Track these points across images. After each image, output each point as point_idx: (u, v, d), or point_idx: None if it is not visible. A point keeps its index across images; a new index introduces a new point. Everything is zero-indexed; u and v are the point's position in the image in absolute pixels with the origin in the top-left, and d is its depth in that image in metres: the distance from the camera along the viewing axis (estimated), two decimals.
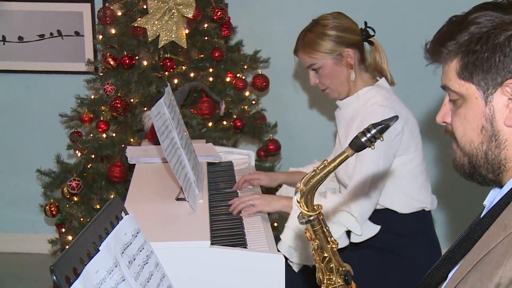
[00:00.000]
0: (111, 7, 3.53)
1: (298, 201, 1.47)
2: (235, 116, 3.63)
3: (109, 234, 1.47)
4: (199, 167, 2.68)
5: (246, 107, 3.74)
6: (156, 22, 3.37)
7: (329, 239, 1.50)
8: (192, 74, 3.50)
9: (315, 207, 1.47)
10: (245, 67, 3.72)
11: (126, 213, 1.64)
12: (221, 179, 2.82)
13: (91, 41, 4.01)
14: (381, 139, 1.38)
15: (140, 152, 2.97)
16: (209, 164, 2.93)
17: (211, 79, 3.55)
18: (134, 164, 2.86)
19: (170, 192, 2.51)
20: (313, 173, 1.44)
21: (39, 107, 4.18)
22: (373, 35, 2.54)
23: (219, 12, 3.52)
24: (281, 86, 4.12)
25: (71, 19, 4.04)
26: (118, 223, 1.54)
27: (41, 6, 4.02)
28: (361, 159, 2.33)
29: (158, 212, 2.35)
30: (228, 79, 3.64)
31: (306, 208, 1.46)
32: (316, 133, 4.21)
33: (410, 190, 2.46)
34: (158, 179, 2.69)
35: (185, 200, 2.37)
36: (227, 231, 2.31)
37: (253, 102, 3.81)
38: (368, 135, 1.38)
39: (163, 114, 2.30)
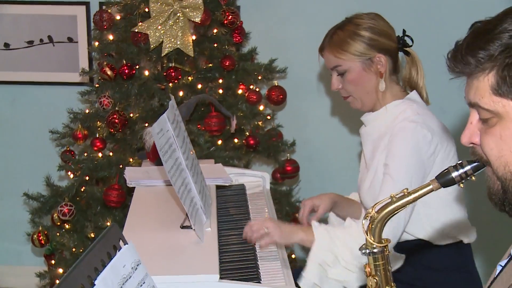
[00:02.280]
0: (109, 10, 3.56)
1: (365, 228, 1.50)
2: (247, 133, 3.64)
3: (105, 266, 1.48)
4: (207, 191, 2.69)
5: (260, 123, 3.75)
6: (159, 27, 3.41)
7: (389, 281, 1.53)
8: (199, 86, 3.52)
9: (382, 240, 1.50)
10: (260, 77, 3.74)
11: (125, 243, 1.65)
12: (231, 205, 2.82)
13: (86, 49, 4.05)
14: (473, 179, 1.42)
15: (141, 173, 2.98)
16: (218, 187, 2.93)
17: (220, 91, 3.56)
18: (134, 188, 2.87)
19: (174, 219, 2.52)
20: (389, 201, 1.48)
21: (26, 122, 4.21)
22: (411, 45, 2.53)
23: (230, 16, 3.55)
24: (300, 100, 4.13)
25: (64, 24, 4.08)
26: (116, 254, 1.55)
27: (29, 9, 4.05)
28: (391, 178, 2.32)
29: (160, 241, 2.36)
30: (240, 92, 3.65)
31: (372, 238, 1.50)
32: (340, 153, 4.21)
33: (443, 219, 2.44)
34: (160, 204, 2.69)
35: (191, 228, 2.38)
36: (238, 264, 2.31)
37: (268, 117, 3.81)
38: (460, 170, 1.42)
39: (166, 130, 2.32)
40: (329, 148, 4.21)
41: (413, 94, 2.51)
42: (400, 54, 2.57)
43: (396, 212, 1.48)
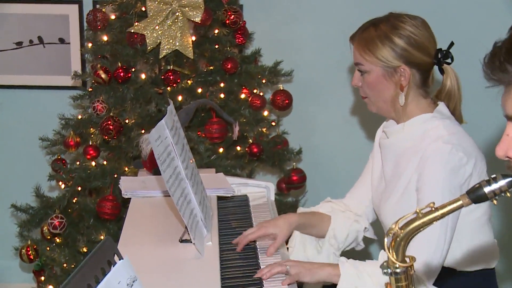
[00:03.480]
0: (103, 10, 3.57)
1: (387, 246, 1.47)
2: (251, 141, 3.64)
3: (99, 283, 1.48)
4: (208, 202, 2.69)
5: (264, 129, 3.75)
6: (157, 28, 3.41)
7: None
8: (199, 90, 3.52)
9: (406, 258, 1.47)
10: (264, 81, 3.74)
11: (120, 258, 1.65)
12: (234, 217, 2.82)
13: (78, 50, 4.05)
14: (509, 194, 1.38)
15: (137, 183, 2.98)
16: (219, 198, 2.93)
17: (222, 95, 3.57)
18: (129, 199, 2.87)
19: (172, 232, 2.52)
20: (414, 216, 1.45)
21: (15, 128, 4.22)
22: (450, 62, 2.43)
23: (233, 16, 3.55)
24: (307, 105, 4.13)
25: (55, 24, 4.09)
26: (110, 269, 1.55)
27: (18, 8, 4.06)
28: (423, 204, 2.29)
29: (158, 256, 2.36)
30: (243, 96, 3.65)
31: (395, 257, 1.47)
32: (349, 161, 4.20)
33: (474, 245, 2.42)
34: (158, 217, 2.69)
35: (191, 242, 2.38)
36: (240, 280, 2.30)
37: (273, 123, 3.82)
38: (494, 186, 1.38)
39: (164, 138, 2.32)
40: (338, 157, 4.21)
41: (442, 107, 2.46)
42: None
43: (421, 229, 1.44)
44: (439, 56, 2.41)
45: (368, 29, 2.43)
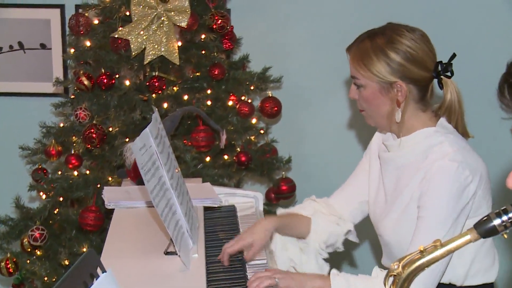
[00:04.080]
0: (86, 14, 3.57)
1: (389, 287, 1.45)
2: (239, 149, 3.65)
3: None
4: (194, 213, 2.69)
5: (252, 137, 3.75)
6: (142, 33, 3.41)
7: None
8: (185, 97, 3.53)
9: None
10: (252, 88, 3.75)
11: (103, 270, 1.65)
12: (221, 228, 2.82)
13: (60, 56, 4.05)
14: None
15: (120, 194, 2.98)
16: (206, 209, 2.93)
17: (209, 102, 3.57)
18: (113, 209, 2.87)
19: (157, 244, 2.51)
20: (418, 255, 1.42)
21: None
22: (450, 76, 2.40)
23: (220, 20, 3.56)
24: (297, 112, 4.14)
25: (36, 29, 4.08)
26: (93, 283, 1.54)
27: None
28: (425, 223, 2.29)
29: (142, 269, 2.35)
30: (230, 103, 3.66)
31: None
32: (341, 171, 4.17)
33: (477, 259, 2.42)
34: (142, 228, 2.69)
35: (176, 254, 2.38)
36: None
37: (262, 131, 3.82)
38: (504, 218, 1.36)
39: (149, 146, 2.32)
40: (329, 166, 4.21)
41: (444, 121, 2.43)
42: None
43: (426, 268, 1.42)
44: (439, 69, 2.38)
45: (364, 42, 2.41)
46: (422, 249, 1.42)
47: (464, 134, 2.47)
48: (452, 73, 2.40)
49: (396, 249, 2.47)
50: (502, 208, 1.37)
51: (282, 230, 2.69)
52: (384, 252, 2.60)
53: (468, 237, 1.39)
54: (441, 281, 2.37)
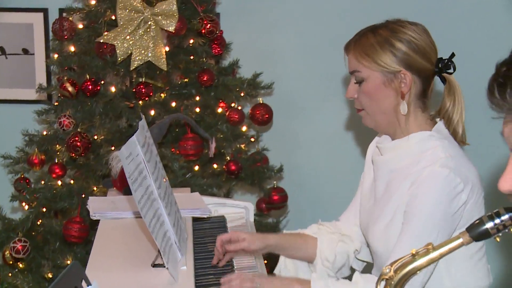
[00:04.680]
0: (70, 18, 3.57)
1: None
2: (228, 158, 3.65)
3: None
4: (182, 223, 2.69)
5: (243, 146, 3.76)
6: (128, 37, 3.42)
7: None
8: (173, 104, 3.53)
9: None
10: (242, 94, 3.76)
11: (88, 284, 1.65)
12: (210, 240, 2.82)
13: (43, 62, 4.05)
14: None
15: (106, 204, 2.98)
16: (195, 220, 2.93)
17: (198, 109, 3.57)
18: (98, 220, 2.87)
19: (144, 256, 2.51)
20: (409, 258, 1.44)
21: None
22: (451, 72, 2.43)
23: (209, 25, 3.57)
24: (288, 119, 4.14)
25: (18, 33, 4.08)
26: None
27: None
28: (410, 230, 2.29)
29: (129, 282, 2.35)
30: (220, 110, 3.66)
31: None
32: (334, 180, 4.22)
33: (464, 273, 2.42)
34: (129, 240, 2.69)
35: (164, 266, 2.37)
36: None
37: (252, 139, 3.83)
38: (497, 221, 1.37)
39: (136, 155, 2.32)
40: (322, 175, 4.22)
41: (440, 125, 2.45)
42: None
43: (417, 271, 1.44)
44: (440, 65, 2.41)
45: (366, 35, 2.42)
46: (414, 252, 1.44)
47: (461, 140, 2.48)
48: (454, 69, 2.43)
49: (386, 259, 2.46)
50: (495, 211, 1.38)
51: (284, 250, 2.65)
52: (374, 263, 2.60)
53: (460, 240, 1.41)
54: None
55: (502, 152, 2.51)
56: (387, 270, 1.46)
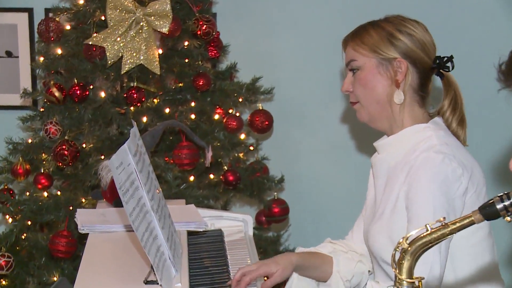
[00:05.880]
0: (57, 19, 3.58)
1: (395, 262, 1.58)
2: (226, 168, 3.65)
3: None
4: (177, 237, 2.69)
5: (241, 155, 3.76)
6: (118, 39, 3.42)
7: None
8: (167, 110, 3.53)
9: (414, 277, 1.58)
10: (240, 100, 3.76)
11: None
12: (206, 255, 2.82)
13: (28, 65, 4.05)
14: None
15: (95, 217, 2.98)
16: (190, 233, 2.93)
17: (193, 116, 3.58)
18: (87, 234, 2.87)
19: (136, 272, 2.51)
20: (424, 231, 1.55)
21: None
22: (449, 70, 2.52)
23: (205, 26, 3.57)
24: (289, 127, 4.15)
25: (1, 35, 4.09)
26: None
27: None
28: (413, 221, 2.32)
29: None
30: (216, 117, 3.67)
31: (402, 274, 1.58)
32: (337, 192, 4.22)
33: (469, 265, 2.44)
34: (120, 255, 2.69)
35: (157, 283, 2.38)
36: None
37: (251, 148, 3.83)
38: (507, 202, 1.49)
39: (127, 164, 2.32)
40: (325, 186, 4.22)
41: (438, 119, 2.51)
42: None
43: (431, 245, 1.55)
44: (439, 61, 2.50)
45: (365, 27, 2.53)
46: (428, 226, 1.57)
47: (462, 140, 2.53)
48: (453, 67, 2.51)
49: (386, 264, 2.46)
50: (506, 192, 1.50)
51: (303, 270, 2.65)
52: (374, 270, 2.61)
53: (471, 218, 1.53)
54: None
55: (501, 152, 2.55)
56: (401, 240, 1.58)
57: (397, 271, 1.58)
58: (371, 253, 2.57)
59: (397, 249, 1.59)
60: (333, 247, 2.72)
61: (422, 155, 2.36)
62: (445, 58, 2.51)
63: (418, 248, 1.57)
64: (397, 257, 1.59)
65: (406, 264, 1.58)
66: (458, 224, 1.53)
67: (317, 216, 4.21)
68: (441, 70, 2.52)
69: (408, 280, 1.58)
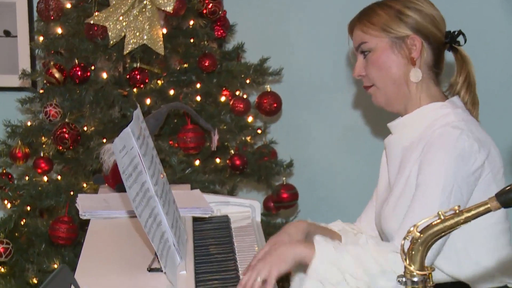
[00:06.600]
0: None
1: (404, 252, 1.56)
2: (233, 152, 3.65)
3: None
4: (182, 224, 2.69)
5: (248, 138, 3.76)
6: (121, 18, 3.42)
7: None
8: (171, 92, 3.53)
9: (425, 267, 1.56)
10: (248, 81, 3.76)
11: None
12: (212, 241, 2.82)
13: (27, 45, 4.05)
14: None
15: (97, 202, 2.99)
16: (195, 219, 2.94)
17: (198, 98, 3.58)
18: (88, 220, 2.87)
19: (139, 259, 2.52)
20: (436, 219, 1.52)
21: None
22: (462, 45, 2.54)
23: (211, 4, 3.57)
24: (299, 109, 4.15)
25: None
26: None
27: None
28: (423, 197, 2.32)
29: (122, 287, 2.36)
30: (223, 99, 3.67)
31: (412, 264, 1.56)
32: (350, 176, 4.22)
33: (487, 257, 2.45)
34: (122, 241, 2.69)
35: (161, 271, 2.38)
36: None
37: (259, 131, 3.83)
38: None
39: (130, 148, 2.32)
40: (336, 170, 4.23)
41: (456, 99, 2.52)
42: None
43: (443, 234, 1.53)
44: (450, 36, 2.53)
45: (371, 7, 2.53)
46: (440, 213, 1.53)
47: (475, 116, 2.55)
48: (465, 40, 2.54)
49: (397, 228, 2.47)
50: None
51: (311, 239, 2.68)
52: None
53: (487, 205, 1.49)
54: (457, 278, 2.42)
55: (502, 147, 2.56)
56: (412, 229, 1.56)
57: (407, 262, 1.56)
58: (384, 235, 2.57)
59: (407, 238, 1.56)
60: (343, 226, 2.74)
61: (439, 130, 2.37)
62: (456, 32, 2.53)
63: (430, 237, 1.54)
64: (406, 246, 1.57)
65: (416, 255, 1.55)
66: (473, 212, 1.50)
67: (327, 202, 4.22)
68: (453, 45, 2.53)
69: (420, 272, 1.56)
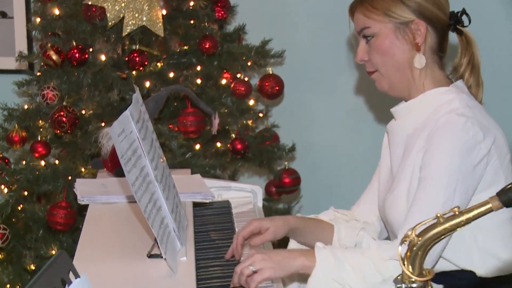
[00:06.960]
0: None
1: (402, 257, 1.53)
2: (234, 135, 3.65)
3: None
4: (182, 209, 2.70)
5: (250, 122, 3.76)
6: None
7: None
8: (171, 74, 3.53)
9: (424, 272, 1.52)
10: (249, 64, 3.75)
11: (77, 276, 1.66)
12: (213, 227, 2.83)
13: (24, 26, 4.05)
14: None
15: (96, 187, 2.99)
16: (196, 205, 2.94)
17: (199, 81, 3.58)
18: (87, 205, 2.88)
19: (139, 245, 2.52)
20: (434, 221, 1.49)
21: None
22: (466, 26, 2.52)
23: None
24: (301, 92, 4.14)
25: None
26: None
27: None
28: (429, 186, 2.32)
29: (122, 274, 2.36)
30: (224, 82, 3.66)
31: (410, 269, 1.53)
32: (352, 160, 4.22)
33: (493, 245, 2.45)
34: (121, 227, 2.70)
35: (161, 257, 2.39)
36: None
37: (261, 114, 3.83)
38: None
39: (129, 132, 2.32)
40: (339, 155, 4.22)
41: (460, 83, 2.51)
42: None
43: (442, 237, 1.49)
44: (454, 17, 2.51)
45: None
46: (439, 215, 1.50)
47: (479, 101, 2.54)
48: (470, 21, 2.52)
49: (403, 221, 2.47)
50: None
51: (299, 234, 2.66)
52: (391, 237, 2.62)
53: (489, 205, 1.46)
54: (463, 268, 2.42)
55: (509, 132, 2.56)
56: (409, 233, 1.52)
57: (406, 267, 1.53)
58: (388, 224, 2.57)
59: (404, 242, 1.53)
60: (334, 214, 2.73)
61: (444, 117, 2.36)
62: (459, 13, 2.51)
63: (429, 240, 1.50)
64: (404, 251, 1.53)
65: (415, 259, 1.52)
66: (474, 212, 1.47)
67: (330, 187, 4.22)
68: (458, 26, 2.52)
69: (419, 278, 1.52)
